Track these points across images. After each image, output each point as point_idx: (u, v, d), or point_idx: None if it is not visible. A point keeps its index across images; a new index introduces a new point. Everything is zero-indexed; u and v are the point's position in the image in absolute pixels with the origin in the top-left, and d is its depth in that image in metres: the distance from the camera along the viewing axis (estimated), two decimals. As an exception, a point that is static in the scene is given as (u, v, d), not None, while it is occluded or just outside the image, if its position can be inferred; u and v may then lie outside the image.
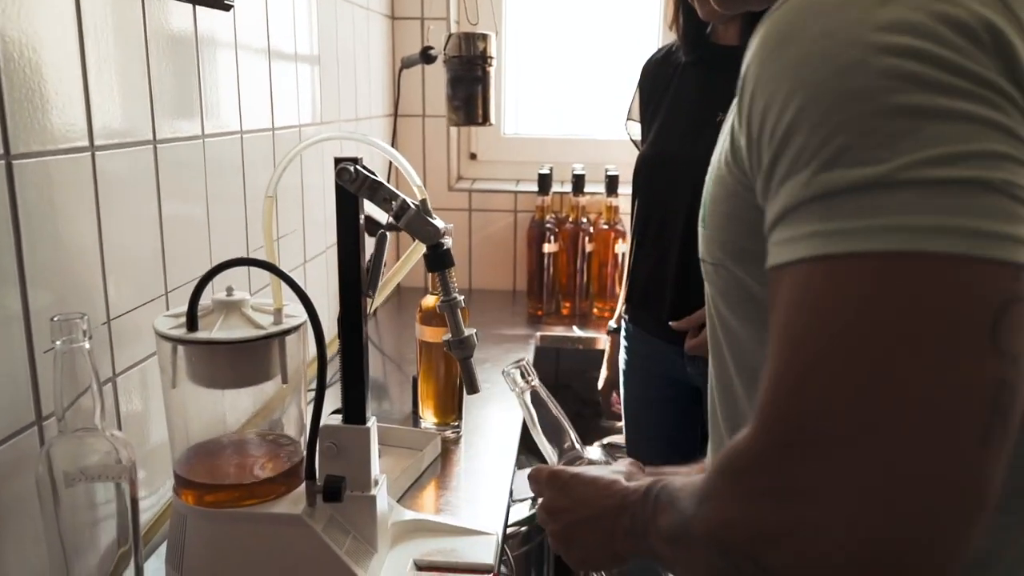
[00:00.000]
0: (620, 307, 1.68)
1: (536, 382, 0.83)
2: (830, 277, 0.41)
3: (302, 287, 0.79)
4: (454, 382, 1.27)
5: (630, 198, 1.51)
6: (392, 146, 1.68)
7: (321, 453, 0.85)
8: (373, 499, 0.86)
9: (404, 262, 0.96)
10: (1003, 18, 0.41)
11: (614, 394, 1.77)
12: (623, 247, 1.99)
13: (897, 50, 0.40)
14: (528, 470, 0.76)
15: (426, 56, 1.65)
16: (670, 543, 0.53)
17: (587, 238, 2.00)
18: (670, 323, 1.41)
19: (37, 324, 0.76)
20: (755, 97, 0.46)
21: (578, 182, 2.00)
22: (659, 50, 1.50)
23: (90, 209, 0.85)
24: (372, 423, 0.87)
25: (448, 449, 1.25)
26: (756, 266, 0.49)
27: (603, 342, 1.87)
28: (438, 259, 0.82)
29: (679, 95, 1.40)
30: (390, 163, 1.84)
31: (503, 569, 0.95)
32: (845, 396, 0.39)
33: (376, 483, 0.88)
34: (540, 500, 0.73)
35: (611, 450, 1.99)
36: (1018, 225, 0.39)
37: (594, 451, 0.83)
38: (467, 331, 0.84)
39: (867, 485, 0.38)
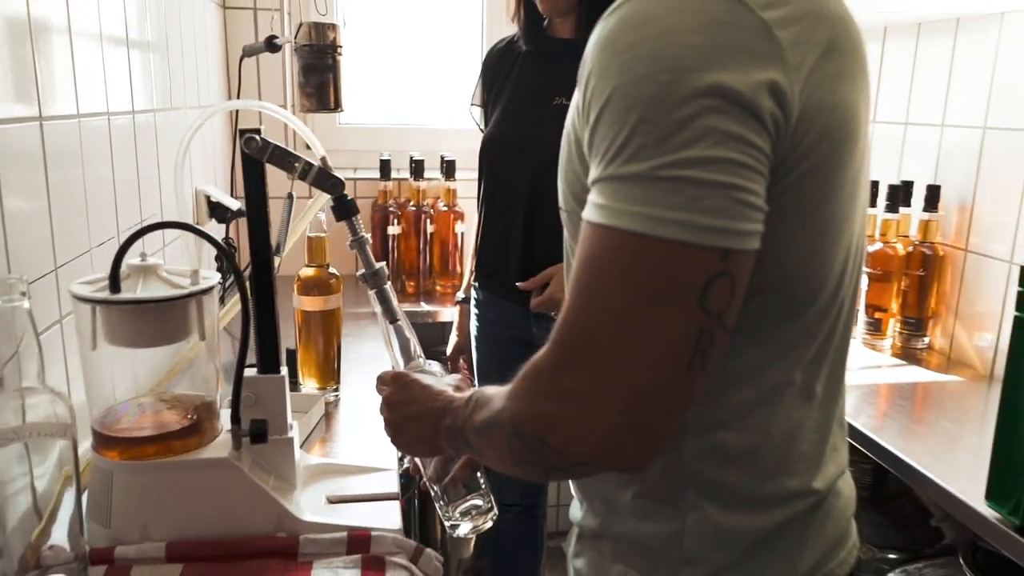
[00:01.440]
0: (467, 279, 1.83)
1: (387, 285, 0.94)
2: (601, 241, 0.58)
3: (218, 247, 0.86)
4: (332, 350, 1.35)
5: (472, 179, 1.65)
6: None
7: (241, 403, 0.92)
8: (291, 440, 0.95)
9: (303, 217, 1.05)
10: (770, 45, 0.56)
11: (462, 360, 1.91)
12: (463, 227, 2.13)
13: (677, 70, 0.55)
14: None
15: (271, 45, 1.70)
16: (480, 434, 0.70)
17: (428, 220, 2.13)
18: (517, 284, 1.57)
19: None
20: (588, 82, 0.60)
21: (418, 167, 2.12)
22: (500, 41, 1.66)
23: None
24: (284, 372, 0.95)
25: (329, 412, 1.33)
26: None
27: (446, 315, 2.01)
28: (345, 208, 0.92)
29: (519, 82, 1.57)
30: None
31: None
32: (602, 329, 0.57)
33: (291, 427, 0.96)
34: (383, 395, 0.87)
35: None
36: (731, 219, 0.56)
37: (434, 364, 0.96)
38: (377, 264, 0.93)
39: (613, 389, 0.56)
